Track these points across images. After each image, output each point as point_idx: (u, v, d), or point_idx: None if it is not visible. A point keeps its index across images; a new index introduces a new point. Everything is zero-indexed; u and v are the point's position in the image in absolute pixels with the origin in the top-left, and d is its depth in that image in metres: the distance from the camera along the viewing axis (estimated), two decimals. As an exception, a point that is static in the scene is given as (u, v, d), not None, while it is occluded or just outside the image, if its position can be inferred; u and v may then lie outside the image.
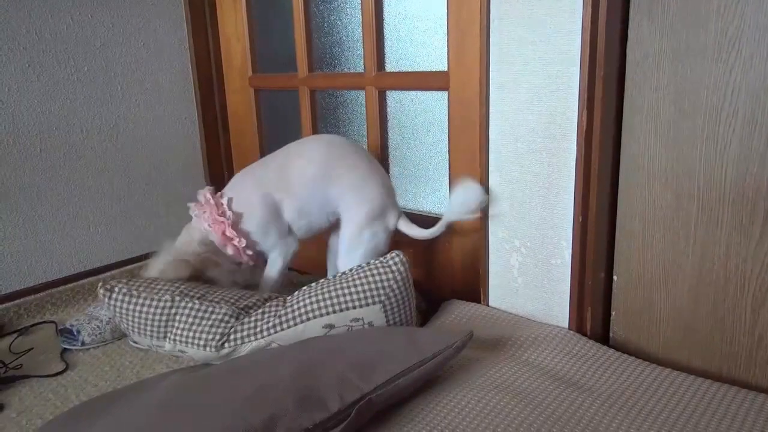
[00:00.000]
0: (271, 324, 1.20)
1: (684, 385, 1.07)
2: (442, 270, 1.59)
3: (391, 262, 1.20)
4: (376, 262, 1.22)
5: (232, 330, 1.21)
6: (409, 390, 1.02)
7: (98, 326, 1.50)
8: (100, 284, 1.30)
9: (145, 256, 1.95)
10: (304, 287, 1.25)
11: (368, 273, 1.20)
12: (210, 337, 1.20)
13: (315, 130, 1.85)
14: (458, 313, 1.41)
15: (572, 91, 1.19)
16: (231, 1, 1.94)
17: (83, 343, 1.48)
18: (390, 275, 1.19)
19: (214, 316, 1.22)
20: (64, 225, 1.78)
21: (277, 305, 1.24)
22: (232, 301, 1.26)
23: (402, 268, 1.20)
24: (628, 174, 1.21)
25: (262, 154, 2.02)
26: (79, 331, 1.48)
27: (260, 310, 1.24)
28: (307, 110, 1.83)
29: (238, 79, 2.00)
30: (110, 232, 1.88)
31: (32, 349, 1.49)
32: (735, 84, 1.04)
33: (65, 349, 1.48)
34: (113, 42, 1.82)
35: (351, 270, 1.23)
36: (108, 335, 1.51)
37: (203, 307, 1.23)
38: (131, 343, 1.47)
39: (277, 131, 2.03)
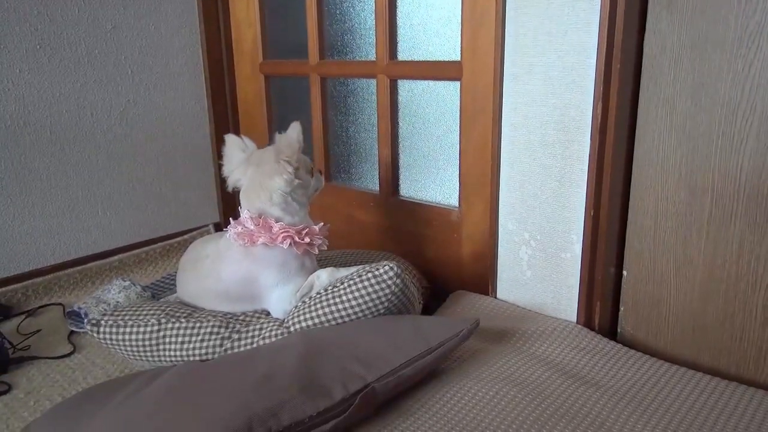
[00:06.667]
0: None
1: (692, 383, 1.06)
2: (450, 261, 1.58)
3: (385, 276, 1.16)
4: (369, 276, 1.16)
5: (229, 346, 1.19)
6: (414, 379, 1.02)
7: (105, 309, 1.50)
8: (86, 321, 1.28)
9: (153, 241, 1.96)
10: (298, 304, 1.22)
11: (363, 291, 1.16)
12: (203, 351, 1.19)
13: (325, 118, 1.84)
14: (466, 305, 1.41)
15: (587, 84, 1.18)
16: (243, -14, 1.92)
17: (91, 326, 1.48)
18: (387, 290, 1.16)
19: (203, 330, 1.20)
20: (73, 208, 1.78)
21: (273, 324, 1.21)
22: (219, 316, 1.25)
23: (398, 281, 1.16)
24: (641, 168, 1.19)
25: (272, 140, 2.01)
26: (86, 314, 1.48)
27: (256, 327, 1.22)
28: (318, 98, 1.82)
29: (249, 65, 1.99)
30: (118, 216, 1.89)
31: (40, 330, 1.50)
32: (754, 79, 1.02)
33: (72, 331, 1.49)
34: (124, 25, 1.81)
35: (343, 285, 1.18)
36: (115, 318, 1.51)
37: (191, 324, 1.21)
38: None
39: (287, 118, 2.01)
